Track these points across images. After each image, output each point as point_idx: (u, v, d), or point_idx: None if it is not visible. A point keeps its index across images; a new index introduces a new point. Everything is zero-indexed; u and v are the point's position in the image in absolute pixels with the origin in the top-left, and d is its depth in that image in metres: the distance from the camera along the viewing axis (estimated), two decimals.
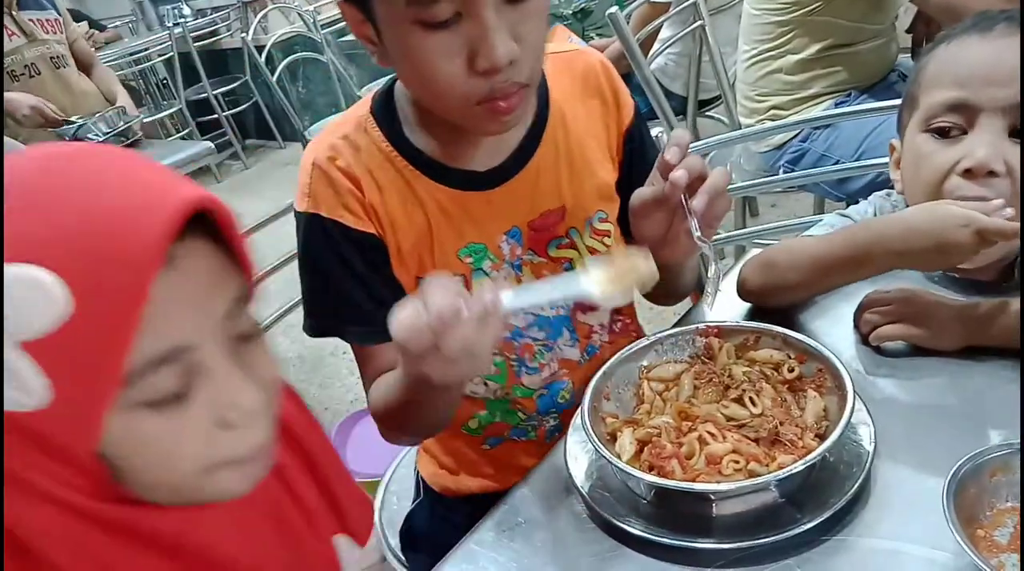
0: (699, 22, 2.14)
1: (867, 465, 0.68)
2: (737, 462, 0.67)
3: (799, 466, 0.64)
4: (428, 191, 0.86)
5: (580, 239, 0.92)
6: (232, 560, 0.58)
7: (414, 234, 0.86)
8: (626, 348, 0.82)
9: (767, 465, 0.67)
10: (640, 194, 0.79)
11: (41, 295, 0.44)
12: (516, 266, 0.91)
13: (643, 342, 0.82)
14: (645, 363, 0.82)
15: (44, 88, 2.58)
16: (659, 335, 0.82)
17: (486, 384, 0.94)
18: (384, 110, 0.87)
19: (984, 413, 0.73)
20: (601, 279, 0.68)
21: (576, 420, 0.80)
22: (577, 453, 0.77)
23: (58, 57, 2.66)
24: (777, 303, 0.92)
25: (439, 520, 1.06)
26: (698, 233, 0.74)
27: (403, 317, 0.61)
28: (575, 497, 0.74)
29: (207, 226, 0.50)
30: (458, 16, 0.70)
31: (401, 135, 0.86)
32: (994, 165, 0.78)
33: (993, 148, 0.78)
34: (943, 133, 0.83)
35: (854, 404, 0.68)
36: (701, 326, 0.82)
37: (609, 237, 0.95)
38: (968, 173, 0.79)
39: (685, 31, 2.21)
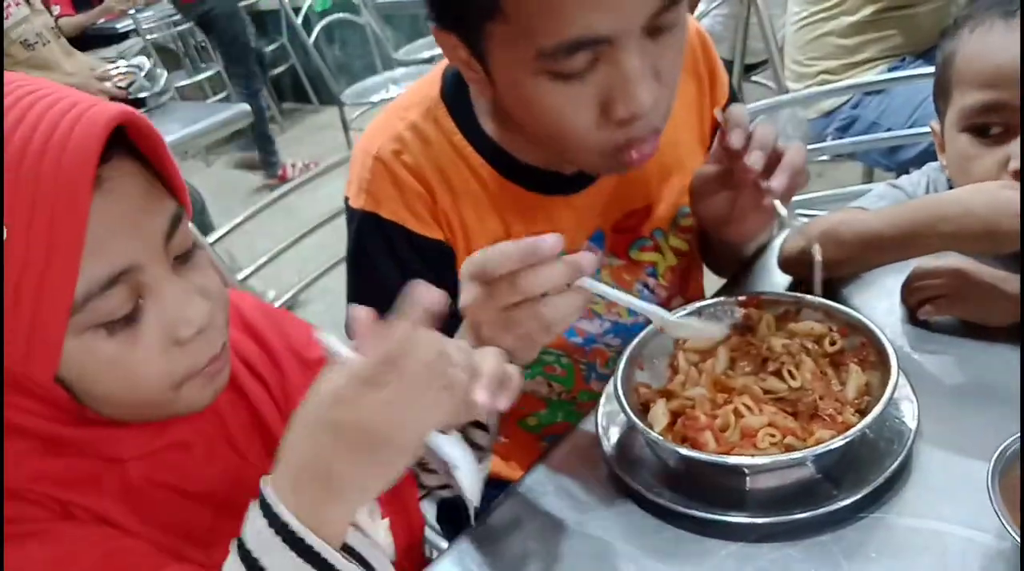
0: None
1: (908, 443, 0.66)
2: (773, 436, 0.66)
3: (837, 442, 0.63)
4: (506, 194, 0.79)
5: (665, 240, 0.88)
6: (197, 480, 0.60)
7: (487, 240, 0.78)
8: (661, 317, 0.80)
9: (804, 440, 0.66)
10: (702, 174, 0.75)
11: None
12: (595, 273, 0.87)
13: (681, 312, 0.80)
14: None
15: (53, 55, 2.62)
16: (697, 305, 0.80)
17: (550, 385, 0.90)
18: (456, 94, 0.78)
19: None
20: (682, 323, 0.69)
21: (609, 388, 0.79)
22: (609, 423, 0.77)
23: (56, 26, 2.72)
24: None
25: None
26: (785, 213, 0.71)
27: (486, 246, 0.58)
28: (606, 467, 0.73)
29: (132, 150, 0.51)
30: (594, 62, 0.63)
31: (476, 126, 0.78)
32: None
33: None
34: (983, 131, 0.81)
35: (897, 379, 0.66)
36: (741, 297, 0.80)
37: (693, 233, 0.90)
38: (1017, 173, 0.78)
39: None
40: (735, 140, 0.70)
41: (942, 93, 0.87)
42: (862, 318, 0.74)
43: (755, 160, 0.68)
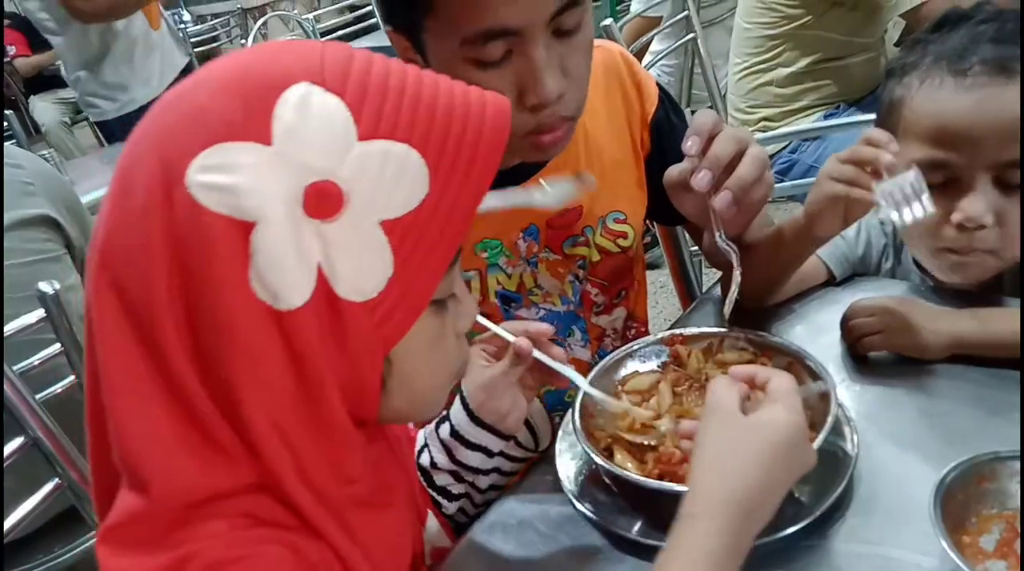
0: (691, 35, 2.16)
1: (850, 470, 0.68)
2: None
3: None
4: None
5: (593, 237, 0.93)
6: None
7: None
8: (597, 367, 0.81)
9: None
10: (669, 175, 0.79)
11: (411, 175, 0.45)
12: (532, 263, 0.91)
13: (610, 358, 0.82)
14: (619, 377, 0.81)
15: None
16: (625, 349, 0.82)
17: None
18: None
19: (971, 421, 0.74)
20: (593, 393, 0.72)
21: (565, 427, 0.80)
22: (567, 458, 0.77)
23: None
24: (760, 299, 0.92)
25: None
26: (719, 234, 0.74)
27: None
28: (567, 499, 0.74)
29: None
30: (509, 54, 0.72)
31: None
32: (984, 220, 0.79)
33: (984, 203, 0.79)
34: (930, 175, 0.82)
35: (832, 383, 0.69)
36: (665, 335, 0.83)
37: (626, 238, 0.95)
38: (960, 225, 0.81)
39: (677, 44, 2.23)
40: (690, 148, 0.74)
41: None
42: (781, 340, 0.77)
43: (701, 180, 0.72)
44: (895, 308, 0.83)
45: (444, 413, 0.76)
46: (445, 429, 0.75)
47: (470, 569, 0.71)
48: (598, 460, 0.69)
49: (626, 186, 0.95)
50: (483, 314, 0.74)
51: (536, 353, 0.71)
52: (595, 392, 0.73)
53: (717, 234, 0.75)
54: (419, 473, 0.76)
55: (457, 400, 0.74)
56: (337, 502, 0.50)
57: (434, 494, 0.76)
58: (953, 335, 0.80)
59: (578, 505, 0.72)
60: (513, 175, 0.87)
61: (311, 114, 0.43)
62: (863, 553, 0.64)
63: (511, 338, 0.71)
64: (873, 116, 0.95)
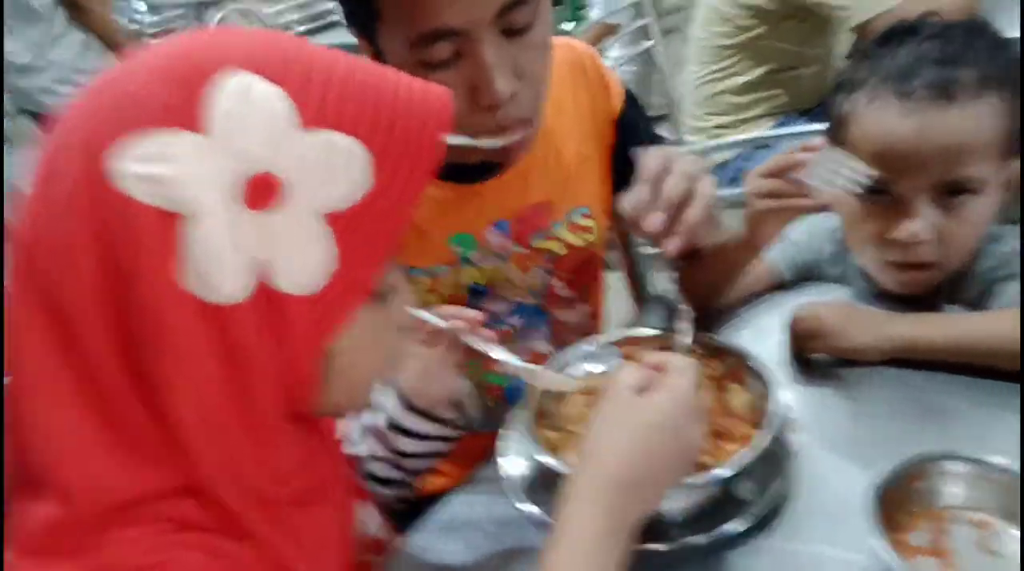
0: (649, 42, 2.18)
1: (791, 469, 0.70)
2: None
3: (751, 453, 0.65)
4: None
5: (559, 232, 0.94)
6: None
7: None
8: (547, 363, 0.81)
9: (717, 458, 0.67)
10: (621, 208, 0.76)
11: (355, 166, 0.44)
12: (502, 257, 0.92)
13: (562, 358, 0.82)
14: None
15: None
16: (575, 350, 0.83)
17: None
18: None
19: (906, 422, 0.76)
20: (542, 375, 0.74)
21: (507, 430, 0.80)
22: (512, 456, 0.77)
23: None
24: (707, 304, 0.93)
25: None
26: (668, 287, 0.74)
27: None
28: (512, 500, 0.74)
29: None
30: (458, 55, 0.72)
31: None
32: (924, 237, 0.82)
33: (924, 221, 0.82)
34: (873, 193, 0.83)
35: (776, 384, 0.70)
36: (618, 338, 0.84)
37: (590, 233, 0.96)
38: (895, 241, 0.83)
39: (636, 51, 2.25)
40: (653, 222, 0.71)
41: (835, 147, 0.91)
42: (728, 342, 0.79)
43: (653, 223, 0.71)
44: (838, 312, 0.85)
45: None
46: (380, 418, 0.74)
47: (413, 568, 0.71)
48: (543, 458, 0.69)
49: (592, 182, 0.96)
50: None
51: (472, 341, 0.71)
52: (543, 371, 0.74)
53: (667, 286, 0.75)
54: (354, 464, 0.75)
55: (389, 388, 0.74)
56: (272, 502, 0.49)
57: (371, 483, 0.75)
58: (893, 339, 0.82)
59: (521, 506, 0.72)
60: (477, 171, 0.88)
61: (250, 102, 0.42)
62: (800, 551, 0.65)
63: (444, 323, 0.71)
64: (822, 126, 0.97)
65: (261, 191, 0.42)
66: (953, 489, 0.64)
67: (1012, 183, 0.85)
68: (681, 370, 0.60)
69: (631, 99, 0.98)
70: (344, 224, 0.44)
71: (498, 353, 0.72)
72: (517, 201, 0.91)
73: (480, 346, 0.72)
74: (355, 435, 0.76)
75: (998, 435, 0.72)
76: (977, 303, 0.87)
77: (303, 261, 0.44)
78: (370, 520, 0.70)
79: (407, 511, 0.77)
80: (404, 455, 0.75)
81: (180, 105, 0.41)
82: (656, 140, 1.02)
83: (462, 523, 0.74)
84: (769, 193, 0.76)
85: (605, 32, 2.33)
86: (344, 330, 0.48)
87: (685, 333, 0.74)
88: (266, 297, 0.43)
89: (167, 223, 0.41)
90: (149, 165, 0.41)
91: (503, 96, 0.72)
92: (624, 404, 0.58)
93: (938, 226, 0.82)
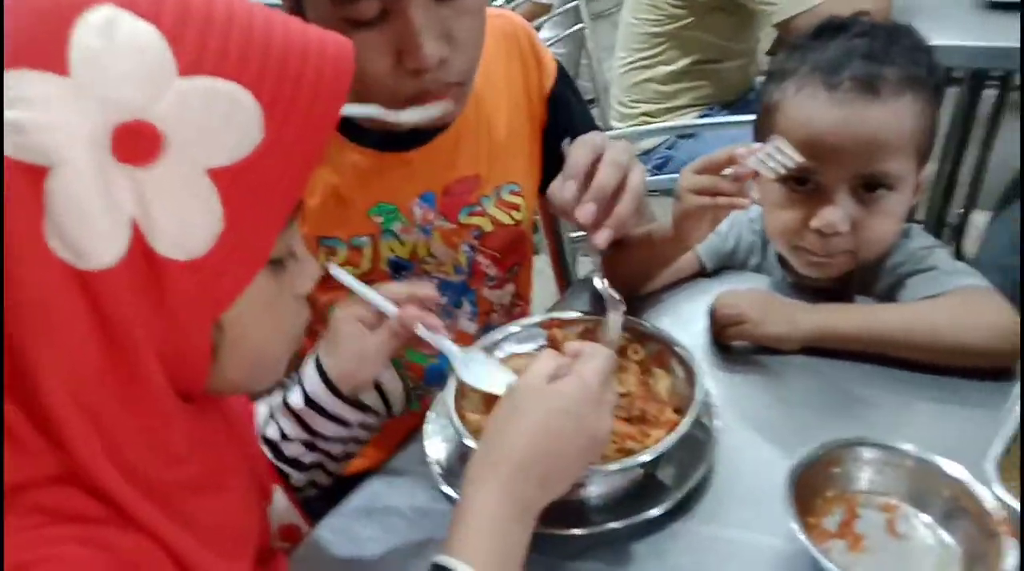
0: (580, 25, 2.18)
1: (711, 453, 0.71)
2: (615, 442, 0.67)
3: (672, 438, 0.65)
4: (340, 150, 0.83)
5: (488, 208, 0.92)
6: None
7: (320, 193, 0.83)
8: (476, 344, 0.79)
9: (642, 442, 0.67)
10: (552, 196, 0.76)
11: (240, 117, 0.39)
12: (426, 230, 0.89)
13: (488, 338, 0.81)
14: (499, 356, 0.80)
15: None
16: (502, 330, 0.82)
17: None
18: None
19: (822, 409, 0.78)
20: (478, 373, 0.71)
21: (433, 412, 0.79)
22: (437, 440, 0.76)
23: None
24: (633, 290, 0.93)
25: None
26: (598, 278, 0.73)
27: None
28: (435, 484, 0.72)
29: None
30: (385, 14, 0.68)
31: None
32: (841, 228, 0.84)
33: (842, 211, 0.84)
34: (797, 182, 0.86)
35: (700, 376, 0.71)
36: (543, 319, 0.83)
37: (519, 211, 0.94)
38: (818, 230, 0.85)
39: (566, 33, 2.25)
40: (586, 214, 0.70)
41: (762, 136, 0.92)
42: (653, 326, 0.79)
43: (585, 214, 0.70)
44: (757, 301, 0.87)
45: (289, 381, 0.72)
46: (297, 398, 0.71)
47: (328, 552, 0.68)
48: (469, 442, 0.67)
49: (522, 158, 0.94)
50: (371, 282, 0.72)
51: (422, 332, 0.69)
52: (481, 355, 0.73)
53: (596, 276, 0.74)
54: (265, 446, 0.71)
55: (311, 367, 0.71)
56: (162, 487, 0.45)
57: (283, 466, 0.71)
58: (808, 328, 0.84)
59: (446, 489, 0.70)
60: (404, 139, 0.85)
61: (118, 41, 0.37)
62: (719, 535, 0.66)
63: (392, 310, 0.68)
64: (747, 117, 0.98)
65: (134, 142, 0.38)
66: (864, 474, 0.66)
67: (921, 187, 0.89)
68: (590, 356, 0.60)
69: (564, 77, 0.97)
70: (230, 181, 0.40)
71: (444, 345, 0.70)
72: (445, 173, 0.88)
73: (429, 338, 0.70)
74: (264, 414, 0.73)
75: (910, 422, 0.76)
76: (887, 296, 0.91)
77: (184, 221, 0.39)
78: (279, 504, 0.67)
79: (323, 496, 0.74)
80: (321, 436, 0.71)
81: (37, 40, 0.37)
82: (587, 120, 1.01)
83: (381, 508, 0.71)
84: (702, 190, 0.76)
85: (538, 12, 2.32)
86: (235, 299, 0.44)
87: (615, 324, 0.74)
88: (144, 262, 0.39)
89: (26, 176, 0.36)
90: (10, 110, 0.36)
91: (431, 61, 0.70)
92: (532, 391, 0.58)
93: (855, 218, 0.84)
